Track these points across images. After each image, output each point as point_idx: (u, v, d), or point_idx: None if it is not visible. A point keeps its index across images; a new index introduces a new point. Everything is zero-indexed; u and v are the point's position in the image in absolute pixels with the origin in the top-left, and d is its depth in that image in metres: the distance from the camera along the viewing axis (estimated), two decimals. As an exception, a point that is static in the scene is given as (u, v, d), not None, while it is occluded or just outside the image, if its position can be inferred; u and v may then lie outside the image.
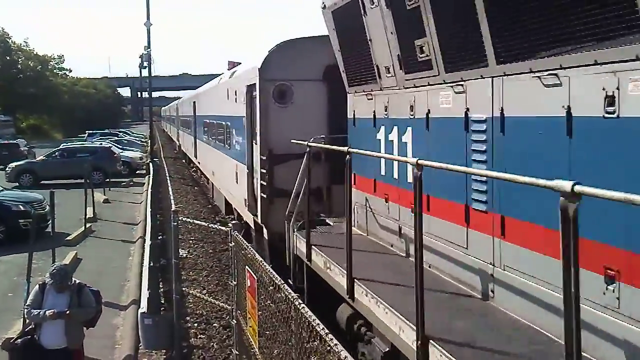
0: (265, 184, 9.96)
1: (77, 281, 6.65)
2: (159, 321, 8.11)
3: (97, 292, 6.82)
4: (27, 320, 6.56)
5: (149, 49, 35.69)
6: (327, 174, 9.13)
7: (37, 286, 6.55)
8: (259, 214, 10.44)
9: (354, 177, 7.17)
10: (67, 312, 6.28)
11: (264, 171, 9.94)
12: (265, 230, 10.46)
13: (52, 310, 6.22)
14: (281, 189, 9.51)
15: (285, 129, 9.61)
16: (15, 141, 39.14)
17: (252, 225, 11.39)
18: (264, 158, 9.95)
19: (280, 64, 10.07)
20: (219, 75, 20.80)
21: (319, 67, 9.96)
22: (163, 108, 77.16)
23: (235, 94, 12.64)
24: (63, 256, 12.79)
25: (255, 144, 10.70)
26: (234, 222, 8.26)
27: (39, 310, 6.28)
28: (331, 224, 8.63)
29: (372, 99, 7.37)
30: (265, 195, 9.96)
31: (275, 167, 9.81)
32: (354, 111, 8.02)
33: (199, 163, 24.98)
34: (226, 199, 15.60)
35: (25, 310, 6.43)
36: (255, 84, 10.46)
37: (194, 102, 25.44)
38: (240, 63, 15.51)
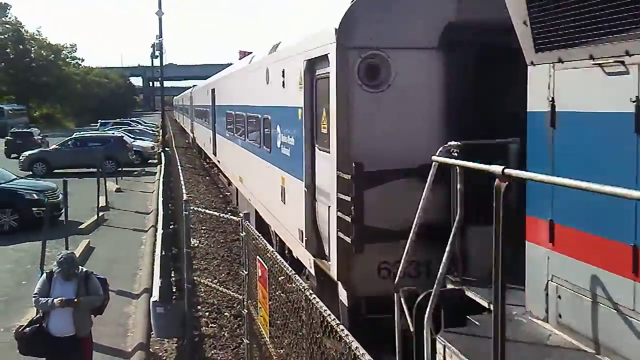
0: (348, 218, 6.05)
1: (84, 269, 6.69)
2: (170, 310, 8.17)
3: (104, 280, 6.87)
4: (36, 308, 6.61)
5: (160, 38, 35.76)
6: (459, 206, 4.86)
7: (45, 274, 6.61)
8: (334, 265, 6.52)
9: (533, 224, 4.27)
10: (75, 300, 6.33)
11: (346, 198, 6.06)
12: (344, 292, 6.48)
13: (60, 298, 6.28)
14: (375, 229, 6.02)
15: (379, 128, 6.15)
16: (29, 130, 39.47)
17: (312, 269, 7.50)
18: (345, 177, 6.07)
19: (369, 24, 6.19)
20: (230, 65, 20.67)
21: (433, 26, 6.14)
22: (175, 97, 71.87)
23: (283, 76, 8.69)
24: (76, 244, 12.92)
25: (323, 150, 6.90)
26: (244, 212, 7.96)
27: (47, 299, 6.33)
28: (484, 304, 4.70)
29: (625, 72, 3.46)
30: (348, 238, 6.08)
31: (365, 192, 6.00)
32: (553, 98, 4.11)
33: (218, 162, 20.99)
34: (259, 215, 11.12)
35: (33, 298, 6.48)
36: (325, 56, 6.56)
37: (213, 90, 20.95)
38: (251, 52, 15.42)
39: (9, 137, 35.94)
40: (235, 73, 15.63)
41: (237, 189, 15.86)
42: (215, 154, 21.52)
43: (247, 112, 12.46)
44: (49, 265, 9.97)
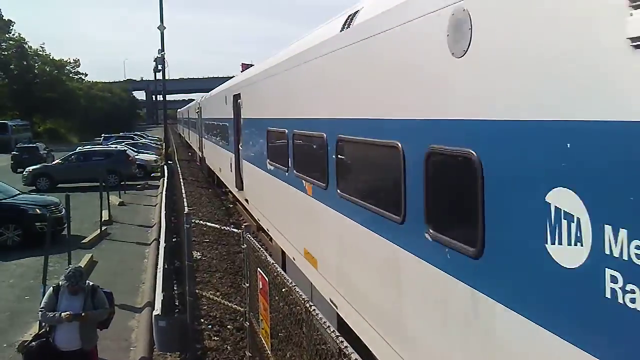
0: None
1: (91, 283, 6.72)
2: (173, 323, 8.17)
3: (110, 294, 6.90)
4: (42, 323, 6.63)
5: (162, 52, 35.95)
6: None
7: (51, 289, 6.60)
8: None
9: None
10: (83, 314, 6.36)
11: None
12: None
13: (68, 313, 6.29)
14: None
15: None
16: (34, 145, 40.25)
17: None
18: None
19: None
20: (232, 77, 20.71)
21: None
22: (179, 110, 70.90)
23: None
24: (79, 259, 12.93)
25: None
26: (246, 224, 8.01)
27: (54, 313, 6.34)
28: None
29: None
30: None
31: None
32: None
33: (246, 201, 13.75)
34: None
35: (40, 312, 6.49)
36: None
37: (237, 97, 14.46)
38: (253, 65, 15.51)
39: (15, 152, 36.52)
40: (296, 58, 7.99)
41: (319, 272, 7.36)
42: (240, 187, 14.72)
43: (373, 133, 5.30)
44: (51, 280, 9.99)
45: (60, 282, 6.54)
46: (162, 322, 8.05)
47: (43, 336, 6.50)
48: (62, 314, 6.30)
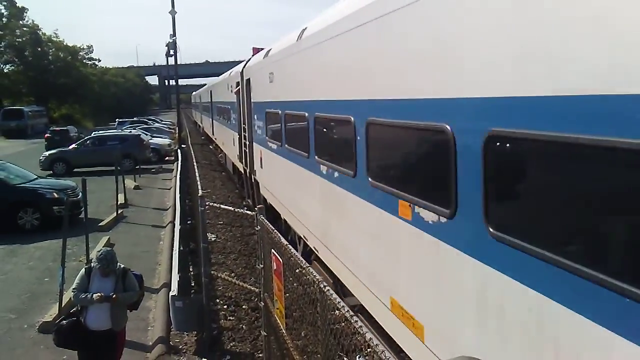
0: None
1: (122, 266, 6.78)
2: (189, 304, 8.28)
3: (140, 276, 6.99)
4: (75, 303, 6.69)
5: (174, 37, 35.95)
6: None
7: (83, 270, 6.70)
8: None
9: None
10: (114, 296, 6.46)
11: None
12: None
13: (100, 294, 6.39)
14: None
15: None
16: (66, 128, 43.32)
17: None
18: None
19: None
20: (242, 61, 20.74)
21: None
22: (194, 93, 66.59)
23: None
24: (96, 242, 13.15)
25: None
26: (259, 206, 8.05)
27: (86, 294, 6.44)
28: None
29: None
30: None
31: None
32: None
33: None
34: None
35: (72, 293, 6.60)
36: None
37: (271, 74, 10.49)
38: (263, 49, 15.46)
39: (48, 135, 39.67)
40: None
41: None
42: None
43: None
44: (70, 263, 10.17)
45: (92, 264, 6.65)
46: (179, 302, 8.17)
47: (74, 315, 6.60)
48: (94, 295, 6.39)
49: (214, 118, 29.96)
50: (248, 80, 14.29)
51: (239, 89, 16.00)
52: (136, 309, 7.05)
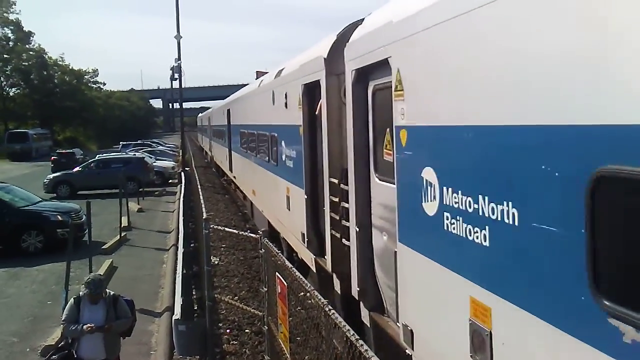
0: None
1: (112, 293, 6.66)
2: (192, 327, 8.23)
3: (131, 302, 6.87)
4: (66, 335, 6.52)
5: (179, 61, 36.36)
6: None
7: (72, 300, 6.53)
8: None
9: None
10: (107, 326, 6.32)
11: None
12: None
13: (91, 326, 6.23)
14: None
15: None
16: (71, 150, 44.23)
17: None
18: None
19: None
20: (247, 85, 20.96)
21: None
22: (200, 115, 60.58)
23: None
24: (99, 264, 13.11)
25: None
26: (263, 229, 8.08)
27: (76, 325, 6.28)
28: None
29: None
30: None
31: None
32: None
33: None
34: None
35: (62, 325, 6.45)
36: None
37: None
38: (267, 72, 15.64)
39: (55, 157, 40.55)
40: None
41: None
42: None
43: None
44: (73, 286, 10.15)
45: (80, 293, 6.49)
46: (182, 326, 8.12)
47: (65, 348, 6.41)
48: (85, 326, 6.23)
49: (233, 147, 20.34)
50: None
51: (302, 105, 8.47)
52: (129, 335, 6.90)
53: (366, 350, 3.80)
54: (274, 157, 11.18)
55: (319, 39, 8.93)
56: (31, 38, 73.21)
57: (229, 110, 22.00)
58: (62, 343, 6.60)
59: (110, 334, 6.40)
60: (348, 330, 4.20)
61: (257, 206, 14.83)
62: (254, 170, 14.64)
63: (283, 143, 10.13)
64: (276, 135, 10.86)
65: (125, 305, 6.63)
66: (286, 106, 9.58)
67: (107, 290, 6.66)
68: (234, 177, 21.45)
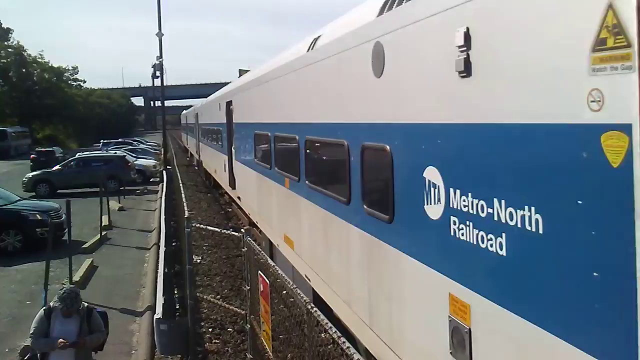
0: None
1: (86, 304, 6.26)
2: (174, 327, 8.20)
3: (105, 315, 6.56)
4: (35, 349, 6.04)
5: (160, 59, 36.09)
6: None
7: (42, 311, 6.06)
8: None
9: None
10: (81, 341, 5.95)
11: None
12: None
13: (64, 341, 5.84)
14: None
15: None
16: (51, 149, 43.09)
17: None
18: None
19: None
20: (229, 83, 20.71)
21: None
22: (185, 112, 52.89)
23: None
24: (79, 264, 12.98)
25: None
26: (246, 227, 8.06)
27: (46, 339, 5.88)
28: None
29: None
30: None
31: None
32: None
33: None
34: None
35: (30, 338, 5.96)
36: None
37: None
38: (249, 70, 15.58)
39: (34, 155, 39.45)
40: None
41: None
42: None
43: None
44: (53, 286, 10.03)
45: (51, 304, 6.01)
46: (163, 325, 8.08)
47: None
48: (58, 341, 5.81)
49: (238, 155, 14.37)
50: None
51: None
52: (101, 349, 6.51)
53: (348, 347, 3.83)
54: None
55: (301, 38, 8.94)
56: (10, 35, 72.00)
57: (229, 103, 15.59)
58: (28, 355, 6.17)
59: (82, 349, 6.02)
60: (330, 327, 4.23)
61: (297, 267, 8.13)
62: (287, 200, 8.57)
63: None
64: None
65: (99, 319, 6.26)
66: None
67: (82, 302, 6.20)
68: (239, 197, 14.92)
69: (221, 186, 20.92)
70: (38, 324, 5.95)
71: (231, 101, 15.34)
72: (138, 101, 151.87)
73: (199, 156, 31.63)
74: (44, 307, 6.11)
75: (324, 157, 7.15)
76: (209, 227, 10.63)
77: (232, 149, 15.49)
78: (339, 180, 6.06)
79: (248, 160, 12.49)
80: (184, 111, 54.59)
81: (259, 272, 6.38)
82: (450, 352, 3.80)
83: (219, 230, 9.62)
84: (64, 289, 6.05)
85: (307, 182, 7.34)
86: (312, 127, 6.98)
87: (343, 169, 5.76)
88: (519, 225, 3.04)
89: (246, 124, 12.59)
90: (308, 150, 7.34)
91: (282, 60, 9.04)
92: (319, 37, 7.18)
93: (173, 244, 14.29)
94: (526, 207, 2.98)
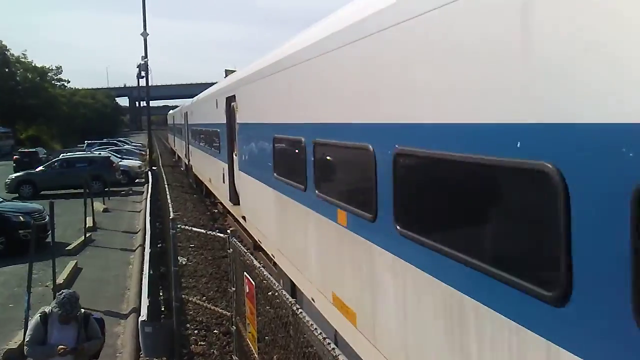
0: None
1: (83, 310, 6.04)
2: (159, 329, 8.16)
3: (102, 320, 6.41)
4: (32, 357, 5.78)
5: (146, 59, 35.88)
6: None
7: (38, 317, 5.80)
8: None
9: None
10: (80, 348, 5.76)
11: None
12: None
13: (64, 347, 5.65)
14: None
15: None
16: (34, 150, 42.88)
17: None
18: None
19: None
20: (215, 83, 20.56)
21: None
22: (171, 112, 49.92)
23: None
24: (63, 266, 12.86)
25: None
26: (232, 229, 8.02)
27: (43, 347, 5.67)
28: None
29: None
30: None
31: None
32: None
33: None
34: None
35: (26, 347, 5.74)
36: None
37: None
38: (235, 71, 15.53)
39: (17, 156, 39.37)
40: None
41: None
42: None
43: None
44: (36, 288, 9.93)
45: (47, 310, 5.78)
46: (148, 327, 8.04)
47: None
48: (58, 347, 5.59)
49: (243, 164, 11.44)
50: None
51: None
52: (97, 358, 6.33)
53: (333, 349, 3.85)
54: None
55: (286, 39, 8.69)
56: (-9, 34, 71.11)
57: (230, 99, 12.78)
58: None
59: (80, 356, 5.83)
60: (315, 329, 4.25)
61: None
62: (341, 245, 5.69)
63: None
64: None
65: (96, 325, 6.10)
66: None
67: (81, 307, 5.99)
68: (244, 218, 11.68)
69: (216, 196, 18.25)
70: (34, 330, 5.69)
71: (234, 96, 12.00)
72: (123, 101, 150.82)
73: (188, 160, 28.63)
74: (40, 313, 5.84)
75: (433, 182, 3.99)
76: (194, 229, 10.60)
77: (234, 155, 12.59)
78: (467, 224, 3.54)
79: (261, 172, 9.29)
80: (171, 111, 51.94)
81: (245, 273, 6.38)
82: None
83: (204, 232, 9.59)
84: (63, 293, 5.80)
85: (396, 225, 4.28)
86: (411, 130, 4.05)
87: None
88: None
89: (259, 124, 9.45)
90: (395, 170, 4.28)
91: (332, 27, 5.77)
92: None
93: (158, 246, 14.22)
94: None
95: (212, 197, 20.48)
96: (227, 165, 13.68)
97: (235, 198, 13.07)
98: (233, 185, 13.19)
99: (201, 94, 22.88)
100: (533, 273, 2.83)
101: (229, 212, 14.53)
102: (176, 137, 41.10)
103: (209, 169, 18.75)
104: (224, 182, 14.32)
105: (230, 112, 12.94)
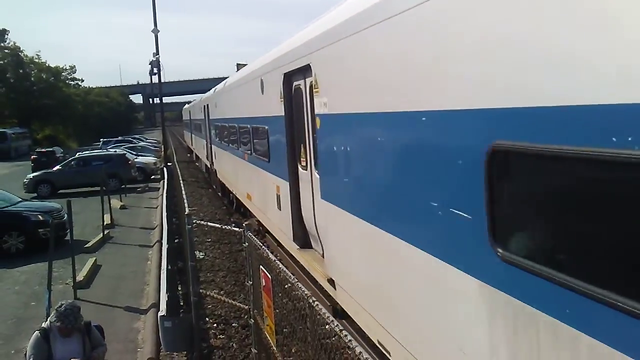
0: None
1: (83, 320, 5.75)
2: (178, 323, 8.21)
3: (101, 328, 6.23)
4: None
5: (157, 56, 36.00)
6: None
7: (37, 334, 5.49)
8: None
9: None
10: (93, 358, 5.59)
11: None
12: None
13: None
14: None
15: None
16: (52, 149, 43.06)
17: None
18: None
19: None
20: (227, 78, 20.39)
21: None
22: (186, 107, 45.58)
23: None
24: (83, 263, 13.01)
25: None
26: (247, 222, 7.96)
27: None
28: None
29: None
30: None
31: None
32: None
33: None
34: None
35: None
36: None
37: None
38: (246, 64, 15.50)
39: (35, 156, 39.52)
40: None
41: None
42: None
43: None
44: (56, 286, 10.05)
45: (47, 324, 5.51)
46: (168, 322, 8.09)
47: None
48: None
49: (329, 191, 6.45)
50: None
51: None
52: None
53: (350, 340, 3.83)
54: None
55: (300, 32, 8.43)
56: (6, 36, 71.82)
57: (294, 76, 8.00)
58: None
59: None
60: (332, 321, 4.24)
61: None
62: None
63: None
64: None
65: (98, 333, 5.93)
66: None
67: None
68: (331, 282, 6.92)
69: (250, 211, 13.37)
70: (36, 349, 5.36)
71: (307, 67, 6.96)
72: (137, 98, 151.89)
73: (211, 163, 23.03)
74: (39, 330, 5.54)
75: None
76: (210, 224, 10.64)
77: (307, 169, 7.68)
78: None
79: (379, 212, 5.11)
80: (186, 105, 45.42)
81: (261, 266, 6.38)
82: None
83: (220, 226, 9.60)
84: (63, 305, 5.52)
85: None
86: None
87: None
88: None
89: (383, 115, 4.76)
90: None
91: None
92: None
93: (175, 241, 14.32)
94: None
95: (242, 208, 15.84)
96: (286, 183, 8.67)
97: (303, 237, 8.44)
98: (299, 218, 8.40)
99: (229, 78, 17.68)
100: None
101: (287, 253, 9.59)
102: (194, 135, 34.49)
103: (248, 182, 13.20)
104: (278, 208, 9.34)
105: (296, 96, 8.01)
